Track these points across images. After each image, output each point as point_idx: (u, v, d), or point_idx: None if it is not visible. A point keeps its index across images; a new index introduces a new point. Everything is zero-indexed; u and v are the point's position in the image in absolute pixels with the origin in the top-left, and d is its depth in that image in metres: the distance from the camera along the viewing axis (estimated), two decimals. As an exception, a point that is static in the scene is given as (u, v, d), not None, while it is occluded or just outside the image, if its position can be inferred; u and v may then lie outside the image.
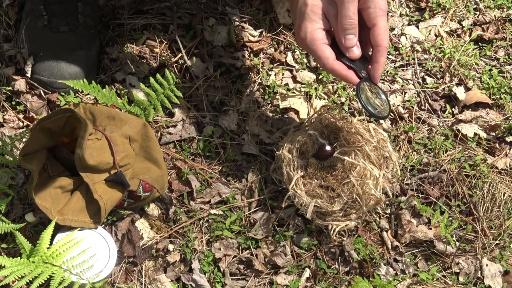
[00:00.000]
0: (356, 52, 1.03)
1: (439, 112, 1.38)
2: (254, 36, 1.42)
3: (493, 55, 1.49)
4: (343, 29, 1.01)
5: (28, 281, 0.98)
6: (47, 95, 1.28)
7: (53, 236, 1.05)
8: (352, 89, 1.37)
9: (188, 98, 1.33)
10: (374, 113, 1.04)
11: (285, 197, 1.16)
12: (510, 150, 1.34)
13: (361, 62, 1.05)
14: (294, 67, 1.39)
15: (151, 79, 1.22)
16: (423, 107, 1.39)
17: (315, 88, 1.36)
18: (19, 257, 1.00)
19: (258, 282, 1.16)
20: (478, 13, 1.56)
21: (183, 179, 1.23)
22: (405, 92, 1.40)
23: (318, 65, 1.38)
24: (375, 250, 1.19)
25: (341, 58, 1.03)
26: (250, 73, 1.37)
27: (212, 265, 1.16)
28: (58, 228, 1.08)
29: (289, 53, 1.41)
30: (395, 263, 1.19)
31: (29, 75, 1.29)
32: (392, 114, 1.35)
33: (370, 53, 1.07)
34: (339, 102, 1.36)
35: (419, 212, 1.22)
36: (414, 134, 1.33)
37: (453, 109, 1.39)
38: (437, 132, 1.34)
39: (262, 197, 1.22)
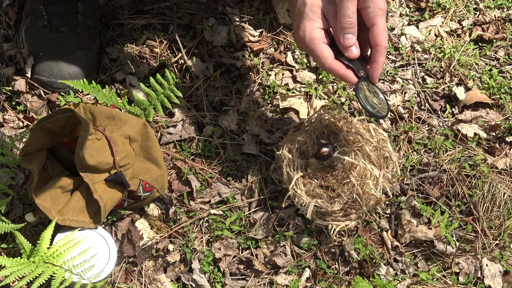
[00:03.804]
0: (355, 51, 1.03)
1: (439, 112, 1.38)
2: (254, 36, 1.42)
3: (493, 55, 1.49)
4: (342, 28, 1.01)
5: (28, 281, 0.98)
6: (47, 95, 1.28)
7: (53, 236, 1.05)
8: (352, 89, 1.37)
9: (188, 98, 1.33)
10: (373, 113, 1.04)
11: (285, 197, 1.16)
12: (510, 150, 1.34)
13: (360, 62, 1.05)
14: (294, 67, 1.39)
15: (151, 79, 1.22)
16: (423, 107, 1.39)
17: (315, 88, 1.36)
18: (19, 257, 1.00)
19: (258, 282, 1.16)
20: (478, 13, 1.56)
21: (183, 179, 1.23)
22: (405, 92, 1.40)
23: (317, 64, 1.38)
24: (375, 250, 1.19)
25: (339, 57, 1.03)
26: (250, 73, 1.37)
27: (212, 265, 1.16)
28: (58, 228, 1.08)
29: (289, 53, 1.41)
30: (395, 263, 1.19)
31: (29, 75, 1.29)
32: (392, 114, 1.35)
33: (368, 53, 1.07)
34: (339, 102, 1.36)
35: (419, 212, 1.22)
36: (414, 134, 1.33)
37: (453, 109, 1.39)
38: (437, 132, 1.34)
39: (262, 197, 1.22)
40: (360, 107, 1.34)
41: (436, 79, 1.43)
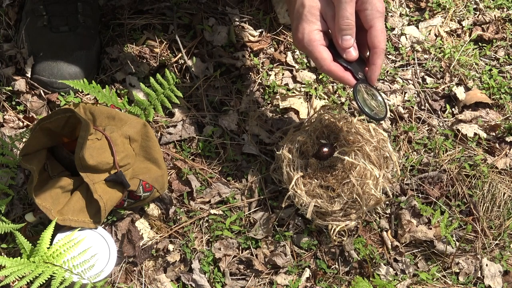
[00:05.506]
0: (353, 53, 1.03)
1: (439, 112, 1.38)
2: (254, 36, 1.42)
3: (493, 55, 1.49)
4: (340, 29, 1.01)
5: (28, 281, 0.98)
6: (47, 95, 1.28)
7: (53, 236, 1.05)
8: (352, 89, 1.37)
9: (188, 98, 1.33)
10: (370, 115, 1.04)
11: (285, 197, 1.16)
12: (510, 150, 1.34)
13: (358, 64, 1.05)
14: (294, 67, 1.39)
15: (151, 79, 1.22)
16: (423, 107, 1.39)
17: (315, 88, 1.36)
18: (19, 257, 1.00)
19: (258, 282, 1.16)
20: (478, 13, 1.56)
21: (183, 179, 1.23)
22: (405, 92, 1.40)
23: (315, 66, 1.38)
24: (375, 250, 1.19)
25: (338, 59, 1.03)
26: (250, 73, 1.37)
27: (212, 265, 1.16)
28: (58, 228, 1.08)
29: (289, 53, 1.41)
30: (395, 263, 1.19)
31: (29, 75, 1.29)
32: (392, 114, 1.35)
33: (367, 55, 1.07)
34: (339, 102, 1.36)
35: (419, 212, 1.22)
36: (414, 134, 1.33)
37: (453, 109, 1.39)
38: (437, 132, 1.34)
39: (262, 197, 1.22)
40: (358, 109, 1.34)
41: (436, 79, 1.43)
